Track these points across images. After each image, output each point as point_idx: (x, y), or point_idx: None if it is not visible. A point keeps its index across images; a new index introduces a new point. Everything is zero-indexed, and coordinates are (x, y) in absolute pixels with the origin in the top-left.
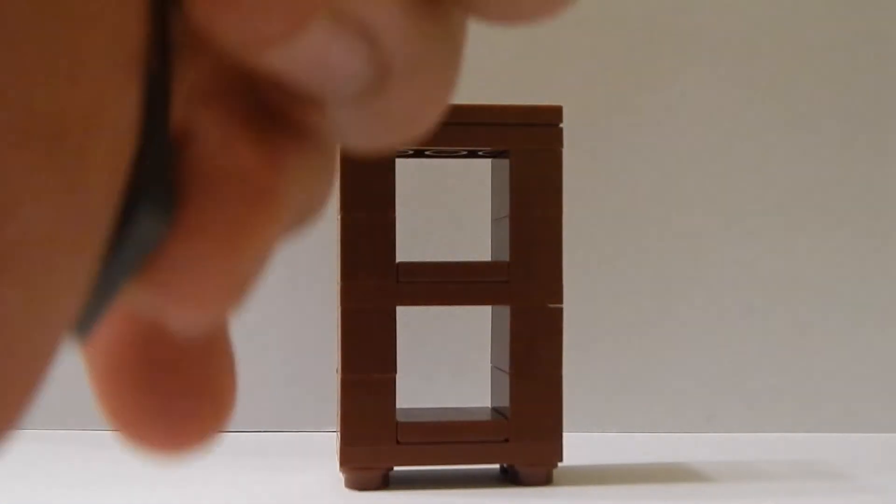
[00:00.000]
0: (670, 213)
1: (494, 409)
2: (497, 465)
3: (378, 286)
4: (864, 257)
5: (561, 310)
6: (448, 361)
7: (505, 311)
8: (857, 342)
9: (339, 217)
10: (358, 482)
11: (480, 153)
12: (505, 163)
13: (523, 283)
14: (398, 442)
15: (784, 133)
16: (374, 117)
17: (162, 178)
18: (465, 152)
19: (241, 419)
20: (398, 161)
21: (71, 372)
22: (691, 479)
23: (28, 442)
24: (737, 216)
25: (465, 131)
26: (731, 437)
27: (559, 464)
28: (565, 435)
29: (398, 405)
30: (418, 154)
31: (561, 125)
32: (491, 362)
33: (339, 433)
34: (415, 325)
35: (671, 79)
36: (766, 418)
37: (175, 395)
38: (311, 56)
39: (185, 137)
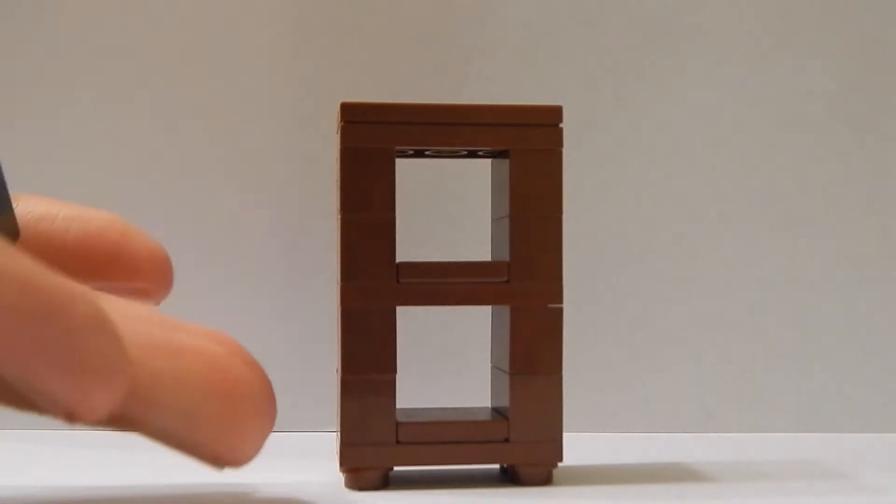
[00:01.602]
0: (670, 212)
1: (494, 409)
2: (497, 465)
3: (378, 286)
4: (865, 257)
5: (561, 310)
6: (448, 361)
7: (505, 311)
8: (857, 342)
9: (338, 217)
10: (358, 482)
11: (480, 153)
12: (505, 163)
13: (523, 283)
14: (398, 442)
15: (784, 133)
16: None
17: None
18: (465, 152)
19: None
20: (398, 161)
21: None
22: (691, 479)
23: (27, 442)
24: (737, 216)
25: (465, 131)
26: (731, 437)
27: (559, 464)
28: (565, 435)
29: (398, 405)
30: (418, 154)
31: (561, 125)
32: (491, 362)
33: (338, 433)
34: (415, 325)
35: (671, 79)
36: (766, 418)
37: None
38: None
39: None
